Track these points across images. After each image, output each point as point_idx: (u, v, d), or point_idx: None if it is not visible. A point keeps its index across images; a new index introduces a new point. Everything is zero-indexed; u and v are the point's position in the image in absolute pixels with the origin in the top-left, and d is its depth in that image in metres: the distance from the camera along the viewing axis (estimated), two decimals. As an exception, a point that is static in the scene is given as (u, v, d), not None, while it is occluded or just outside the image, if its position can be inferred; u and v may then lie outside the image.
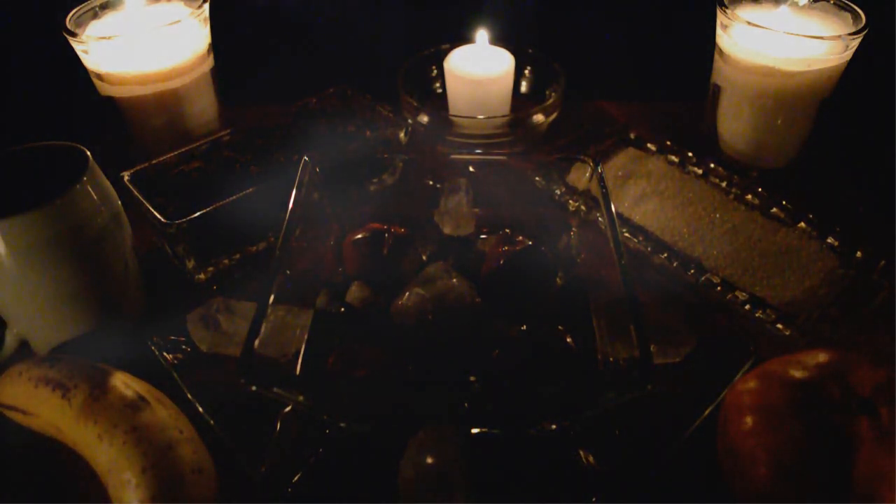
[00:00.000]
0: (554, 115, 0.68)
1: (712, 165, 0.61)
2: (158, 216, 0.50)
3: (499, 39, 0.70)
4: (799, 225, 0.55)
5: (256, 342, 0.38)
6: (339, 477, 0.40)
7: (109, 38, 0.58)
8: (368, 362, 0.43)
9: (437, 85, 0.75)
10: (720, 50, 0.61)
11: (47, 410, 0.41)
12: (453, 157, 0.55)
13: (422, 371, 0.41)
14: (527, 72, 0.74)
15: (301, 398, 0.38)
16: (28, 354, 0.47)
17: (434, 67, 0.74)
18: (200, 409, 0.43)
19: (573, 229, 0.54)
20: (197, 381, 0.44)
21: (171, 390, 0.43)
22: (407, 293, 0.45)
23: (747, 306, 0.49)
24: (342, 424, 0.40)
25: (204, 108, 0.66)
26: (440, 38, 0.73)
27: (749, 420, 0.38)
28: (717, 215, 0.57)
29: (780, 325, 0.48)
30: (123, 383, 0.41)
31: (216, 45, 0.65)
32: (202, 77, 0.64)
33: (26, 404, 0.42)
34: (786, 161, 0.64)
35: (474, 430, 0.37)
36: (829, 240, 0.54)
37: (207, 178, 0.58)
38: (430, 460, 0.37)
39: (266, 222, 0.54)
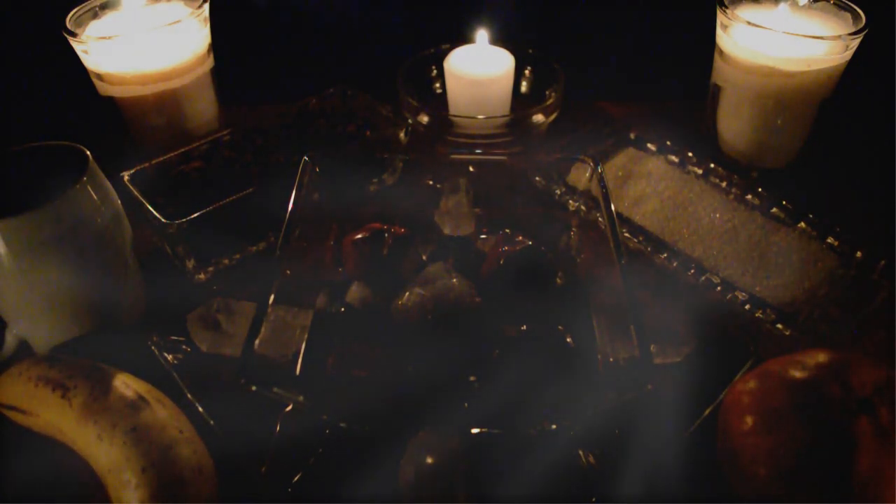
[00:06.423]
0: (554, 115, 0.68)
1: (712, 165, 0.61)
2: (158, 216, 0.50)
3: (499, 39, 0.70)
4: (799, 225, 0.55)
5: (256, 342, 0.38)
6: (339, 477, 0.40)
7: (109, 38, 0.58)
8: (368, 362, 0.43)
9: (437, 85, 0.75)
10: (720, 50, 0.61)
11: (47, 410, 0.41)
12: (453, 157, 0.55)
13: (422, 371, 0.41)
14: (527, 72, 0.74)
15: (301, 398, 0.38)
16: (28, 354, 0.47)
17: (434, 67, 0.74)
18: (200, 409, 0.43)
19: (573, 229, 0.54)
20: (197, 381, 0.44)
21: (171, 390, 0.43)
22: (407, 293, 0.45)
23: (747, 306, 0.49)
24: (342, 424, 0.40)
25: (204, 108, 0.66)
26: (440, 38, 0.73)
27: (749, 420, 0.38)
28: (717, 215, 0.57)
29: (780, 325, 0.48)
30: (123, 383, 0.41)
31: (216, 45, 0.65)
32: (202, 77, 0.64)
33: (26, 404, 0.42)
34: (786, 161, 0.64)
35: (474, 430, 0.37)
36: (829, 240, 0.54)
37: (207, 178, 0.58)
38: (430, 460, 0.37)
39: (266, 222, 0.54)
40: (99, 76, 0.61)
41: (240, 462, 0.41)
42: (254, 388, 0.36)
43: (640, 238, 0.55)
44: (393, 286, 0.46)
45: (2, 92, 0.71)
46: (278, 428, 0.42)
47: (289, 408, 0.42)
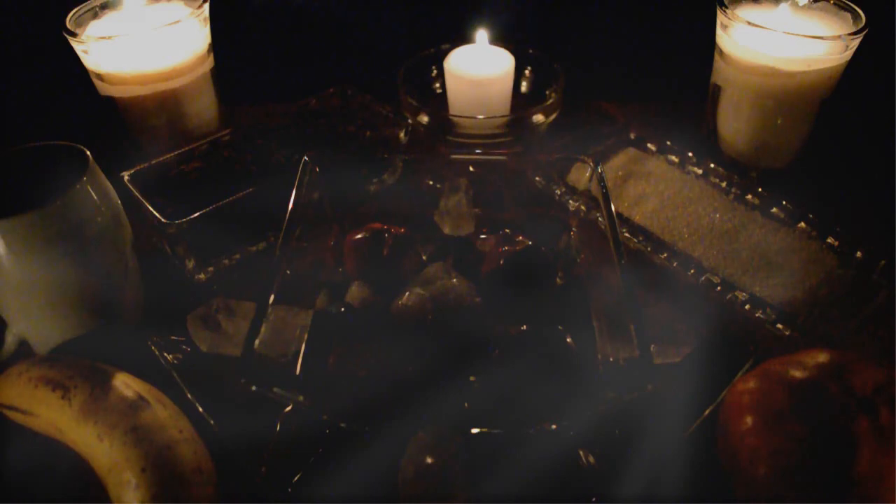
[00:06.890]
0: (554, 115, 0.68)
1: (712, 165, 0.61)
2: (158, 216, 0.50)
3: (499, 39, 0.70)
4: (799, 225, 0.55)
5: (256, 342, 0.38)
6: (339, 477, 0.40)
7: (109, 38, 0.58)
8: (368, 362, 0.43)
9: (437, 85, 0.75)
10: (720, 50, 0.61)
11: (47, 410, 0.41)
12: (453, 157, 0.55)
13: (422, 371, 0.41)
14: (527, 72, 0.74)
15: (301, 398, 0.38)
16: (28, 354, 0.47)
17: (434, 67, 0.75)
18: (200, 409, 0.43)
19: (573, 229, 0.54)
20: (197, 381, 0.44)
21: (171, 390, 0.43)
22: (407, 293, 0.45)
23: (747, 306, 0.49)
24: (342, 424, 0.40)
25: (204, 108, 0.66)
26: (440, 38, 0.73)
27: (749, 420, 0.38)
28: (717, 215, 0.57)
29: (780, 325, 0.48)
30: (123, 383, 0.41)
31: (216, 45, 0.65)
32: (202, 77, 0.64)
33: (26, 404, 0.42)
34: (786, 161, 0.64)
35: (474, 430, 0.37)
36: (829, 240, 0.54)
37: (207, 178, 0.58)
38: (430, 460, 0.37)
39: (266, 222, 0.54)
40: (99, 76, 0.61)
41: (240, 462, 0.41)
42: (254, 388, 0.36)
43: (640, 238, 0.55)
44: (393, 286, 0.46)
45: (2, 92, 0.71)
46: (278, 428, 0.42)
47: (289, 408, 0.42)
